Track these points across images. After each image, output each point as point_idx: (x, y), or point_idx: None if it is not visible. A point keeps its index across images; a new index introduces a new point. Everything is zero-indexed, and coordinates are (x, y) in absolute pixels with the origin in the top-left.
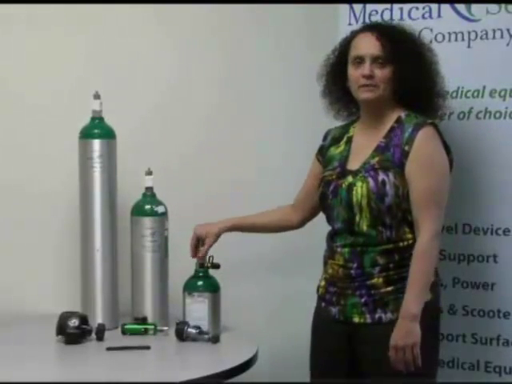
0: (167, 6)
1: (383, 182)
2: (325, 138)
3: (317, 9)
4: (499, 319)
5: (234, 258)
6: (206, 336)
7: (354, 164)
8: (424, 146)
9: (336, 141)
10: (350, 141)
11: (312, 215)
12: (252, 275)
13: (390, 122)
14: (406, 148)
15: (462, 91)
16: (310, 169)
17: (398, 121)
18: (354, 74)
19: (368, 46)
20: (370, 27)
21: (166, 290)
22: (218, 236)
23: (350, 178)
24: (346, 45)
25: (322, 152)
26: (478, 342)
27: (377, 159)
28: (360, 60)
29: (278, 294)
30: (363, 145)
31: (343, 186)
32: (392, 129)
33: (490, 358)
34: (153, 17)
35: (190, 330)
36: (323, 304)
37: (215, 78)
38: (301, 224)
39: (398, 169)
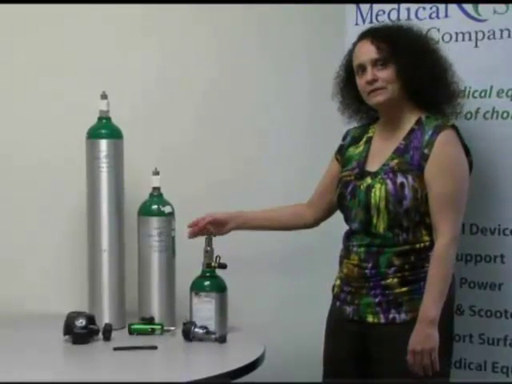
0: (169, 6)
1: (402, 185)
2: (344, 138)
3: (323, 9)
4: (506, 319)
5: (242, 258)
6: (213, 336)
7: (372, 165)
8: (443, 149)
9: (355, 141)
10: (369, 141)
11: (327, 214)
12: (260, 275)
13: (409, 123)
14: (426, 151)
15: (469, 91)
16: (327, 167)
17: (418, 123)
18: (360, 83)
19: (365, 52)
20: (365, 33)
21: (173, 290)
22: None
23: (368, 180)
24: (349, 57)
25: (341, 151)
26: (485, 343)
27: (396, 161)
28: (362, 68)
29: (285, 294)
30: (382, 146)
31: (361, 187)
32: (412, 131)
33: (497, 358)
34: (154, 17)
35: (196, 329)
36: (338, 303)
37: (218, 77)
38: (315, 223)
39: (417, 171)
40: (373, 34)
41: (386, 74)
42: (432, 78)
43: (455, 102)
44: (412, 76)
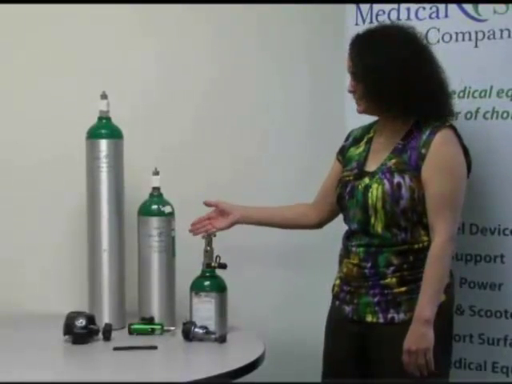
0: (169, 6)
1: (399, 185)
2: (346, 139)
3: (323, 9)
4: (506, 319)
5: (242, 257)
6: (213, 336)
7: (371, 165)
8: (441, 149)
9: (357, 141)
10: (369, 141)
11: (331, 216)
12: (260, 274)
13: (408, 123)
14: (423, 151)
15: (469, 91)
16: (330, 169)
17: (417, 124)
18: None
19: (347, 62)
20: (351, 41)
21: (173, 290)
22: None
23: (366, 180)
24: None
25: (342, 152)
26: (485, 343)
27: (393, 161)
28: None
29: (286, 294)
30: (381, 146)
31: (359, 187)
32: (410, 131)
33: (497, 358)
34: (154, 17)
35: (196, 329)
36: (337, 303)
37: (218, 77)
38: (319, 224)
39: (415, 171)
40: (354, 46)
41: (358, 88)
42: (407, 90)
43: (446, 101)
44: (378, 95)
